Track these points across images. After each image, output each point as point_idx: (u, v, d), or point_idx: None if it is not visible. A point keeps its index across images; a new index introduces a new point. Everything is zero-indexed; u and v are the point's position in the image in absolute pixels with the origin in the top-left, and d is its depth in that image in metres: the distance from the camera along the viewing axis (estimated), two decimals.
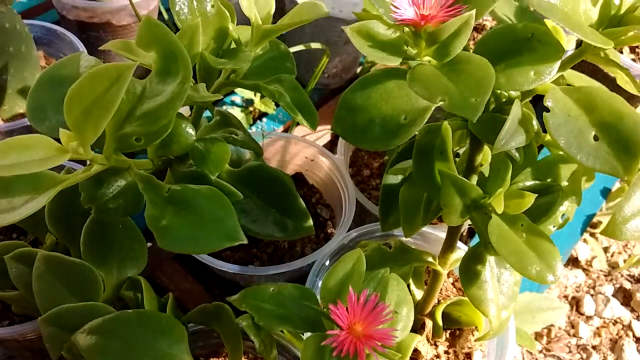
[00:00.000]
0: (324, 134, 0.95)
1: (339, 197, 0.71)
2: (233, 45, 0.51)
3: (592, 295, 1.01)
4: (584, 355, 0.95)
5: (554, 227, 0.53)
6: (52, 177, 0.44)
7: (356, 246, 0.63)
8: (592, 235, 1.06)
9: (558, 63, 0.45)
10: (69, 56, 0.53)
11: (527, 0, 0.43)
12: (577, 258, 1.03)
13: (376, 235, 0.66)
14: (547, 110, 0.45)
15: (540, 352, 0.93)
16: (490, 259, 0.50)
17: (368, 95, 0.47)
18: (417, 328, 0.60)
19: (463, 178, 0.46)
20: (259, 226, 0.58)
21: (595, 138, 0.44)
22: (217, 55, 0.51)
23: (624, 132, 0.43)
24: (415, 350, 0.59)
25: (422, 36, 0.43)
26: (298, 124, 0.86)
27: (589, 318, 1.00)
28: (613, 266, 1.03)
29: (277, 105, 0.96)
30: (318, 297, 0.47)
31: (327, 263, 0.63)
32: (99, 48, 0.47)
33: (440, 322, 0.59)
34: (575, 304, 1.00)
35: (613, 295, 1.03)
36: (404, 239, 0.63)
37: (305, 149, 0.74)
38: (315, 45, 0.70)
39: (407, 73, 0.43)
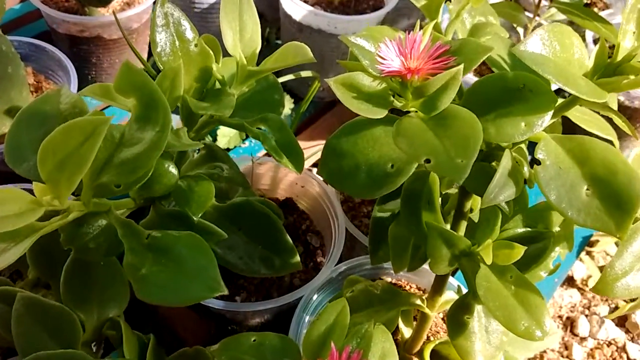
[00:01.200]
0: (317, 150, 0.94)
1: (328, 225, 0.70)
2: (217, 85, 0.49)
3: (586, 316, 1.00)
4: None
5: (545, 273, 0.52)
6: (31, 225, 0.43)
7: (344, 281, 0.62)
8: (589, 253, 1.04)
9: (550, 113, 0.43)
10: (48, 92, 0.51)
11: (515, 52, 0.41)
12: (572, 277, 1.02)
13: (366, 268, 0.65)
14: (538, 162, 0.44)
15: None
16: (478, 308, 0.49)
17: (354, 140, 0.46)
18: None
19: (450, 230, 0.45)
20: (245, 263, 0.57)
21: (587, 192, 0.43)
22: (201, 95, 0.49)
23: (617, 188, 0.42)
24: None
25: (409, 88, 0.41)
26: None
27: (582, 339, 0.99)
28: None
29: None
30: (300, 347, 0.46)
31: (315, 297, 0.62)
32: (79, 93, 0.45)
33: (427, 357, 0.58)
34: (570, 324, 0.99)
35: (607, 317, 1.02)
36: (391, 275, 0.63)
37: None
38: (305, 74, 0.68)
39: (394, 124, 0.42)
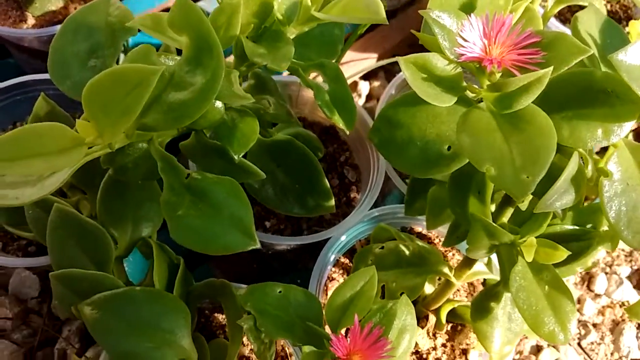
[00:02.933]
0: (368, 66, 0.89)
1: (368, 161, 0.68)
2: (276, 25, 0.45)
3: (606, 274, 1.00)
4: (582, 332, 0.96)
5: (581, 268, 0.50)
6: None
7: (375, 227, 0.61)
8: None
9: (632, 123, 0.40)
10: (97, 0, 0.48)
11: (613, 60, 0.36)
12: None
13: (398, 217, 0.64)
14: (605, 173, 0.41)
15: None
16: (506, 296, 0.49)
17: (413, 113, 0.43)
18: (420, 319, 0.61)
19: (495, 225, 0.43)
20: (279, 200, 0.56)
21: None
22: (258, 32, 0.46)
23: None
24: None
25: (486, 77, 0.38)
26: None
27: (597, 296, 0.99)
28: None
29: None
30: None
31: (343, 238, 0.62)
32: (128, 24, 0.42)
33: (443, 319, 0.59)
34: (588, 279, 0.99)
35: (628, 277, 1.02)
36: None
37: None
38: None
39: (461, 115, 0.38)
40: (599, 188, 0.41)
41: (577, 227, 0.48)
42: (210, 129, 0.51)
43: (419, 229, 0.66)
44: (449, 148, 0.42)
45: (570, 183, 0.41)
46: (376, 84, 0.91)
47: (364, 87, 0.90)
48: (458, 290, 0.63)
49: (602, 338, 0.95)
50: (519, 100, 0.36)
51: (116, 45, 0.48)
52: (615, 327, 0.96)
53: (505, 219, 0.47)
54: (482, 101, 0.39)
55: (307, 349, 0.44)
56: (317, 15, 0.43)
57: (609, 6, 0.84)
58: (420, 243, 0.58)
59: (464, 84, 0.39)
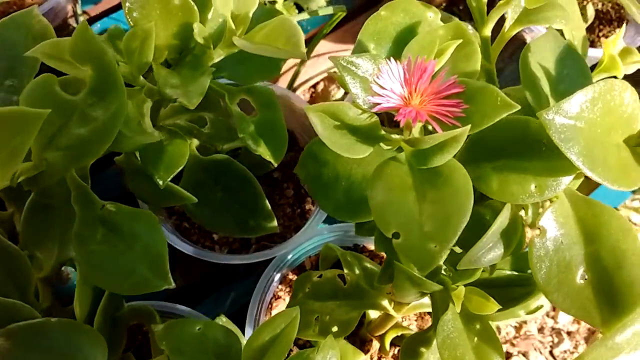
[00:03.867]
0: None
1: None
2: (198, 49, 0.42)
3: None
4: (556, 340, 0.94)
5: (523, 312, 0.48)
6: None
7: (323, 248, 0.59)
8: None
9: (570, 178, 0.36)
10: (20, 12, 0.45)
11: (542, 120, 0.33)
12: None
13: (350, 235, 0.61)
14: (537, 230, 0.38)
15: (513, 326, 0.91)
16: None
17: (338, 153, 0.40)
18: (365, 342, 0.59)
19: (420, 277, 0.40)
20: (218, 221, 0.54)
21: (582, 278, 0.37)
22: (180, 55, 0.42)
23: (619, 284, 0.36)
24: None
25: (407, 130, 0.34)
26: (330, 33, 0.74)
27: None
28: None
29: (300, 10, 0.84)
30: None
31: (290, 257, 0.60)
32: (25, 54, 0.39)
33: (387, 346, 0.57)
34: None
35: None
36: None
37: (300, 103, 0.65)
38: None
39: (376, 167, 0.35)
40: (529, 245, 0.38)
41: (516, 273, 0.45)
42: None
43: (371, 247, 0.63)
44: None
45: (500, 237, 0.38)
46: None
47: None
48: (408, 316, 0.61)
49: (575, 347, 0.92)
50: (434, 158, 0.33)
51: (34, 64, 0.45)
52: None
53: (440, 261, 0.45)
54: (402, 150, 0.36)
55: None
56: (237, 43, 0.39)
57: (600, 5, 0.79)
58: (368, 265, 0.55)
59: (382, 132, 0.35)
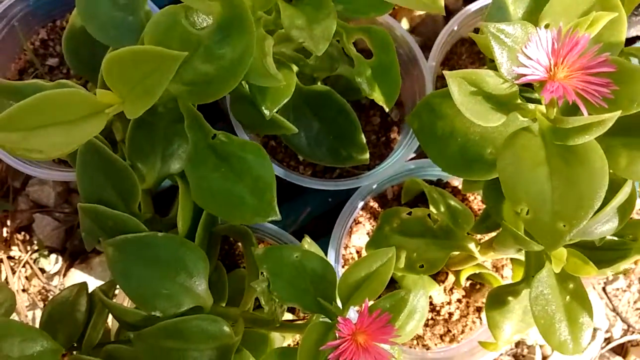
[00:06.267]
0: None
1: (413, 98, 0.63)
2: None
3: None
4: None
5: (612, 273, 0.48)
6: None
7: (408, 181, 0.59)
8: None
9: None
10: None
11: None
12: None
13: (436, 170, 0.61)
14: None
15: None
16: (526, 292, 0.48)
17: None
18: (440, 273, 0.61)
19: (524, 237, 0.40)
20: (311, 149, 0.55)
21: None
22: None
23: None
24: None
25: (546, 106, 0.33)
26: None
27: None
28: None
29: None
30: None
31: (375, 187, 0.60)
32: None
33: (462, 281, 0.59)
34: None
35: None
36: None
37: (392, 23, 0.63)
38: None
39: (508, 136, 0.35)
40: None
41: (615, 238, 0.45)
42: None
43: (455, 183, 0.63)
44: (490, 153, 0.39)
45: (616, 211, 0.38)
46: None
47: None
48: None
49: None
50: (575, 137, 0.32)
51: None
52: None
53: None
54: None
55: (316, 318, 0.45)
56: None
57: None
58: (452, 202, 0.56)
59: (519, 102, 0.34)
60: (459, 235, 0.52)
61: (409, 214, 0.53)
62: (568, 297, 0.44)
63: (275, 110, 0.47)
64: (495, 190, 0.43)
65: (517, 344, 0.84)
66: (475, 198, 0.63)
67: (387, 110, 0.45)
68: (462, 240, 0.52)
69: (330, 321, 0.45)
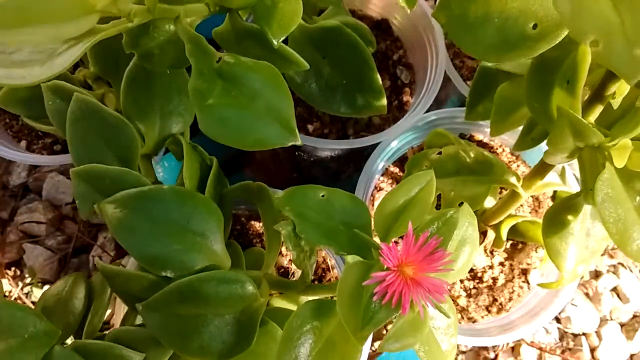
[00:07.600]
0: None
1: (424, 60, 0.60)
2: None
3: None
4: None
5: None
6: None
7: (430, 132, 0.54)
8: None
9: None
10: None
11: None
12: None
13: (457, 122, 0.57)
14: None
15: None
16: (586, 209, 0.42)
17: None
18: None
19: (585, 122, 0.36)
20: (324, 97, 0.50)
21: None
22: None
23: None
24: None
25: None
26: None
27: None
28: None
29: None
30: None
31: (394, 144, 0.56)
32: None
33: (504, 236, 0.53)
34: None
35: None
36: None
37: None
38: None
39: None
40: None
41: None
42: (247, 11, 0.45)
43: (479, 136, 0.59)
44: (534, 27, 0.35)
45: None
46: None
47: None
48: (521, 205, 0.57)
49: None
50: None
51: None
52: None
53: (591, 118, 0.40)
54: None
55: (351, 258, 0.39)
56: None
57: None
58: (482, 150, 0.51)
59: None
60: (497, 168, 0.47)
61: (439, 153, 0.48)
62: (638, 198, 0.38)
63: (283, 37, 0.42)
64: (541, 80, 0.38)
65: (562, 337, 0.76)
66: (503, 150, 0.59)
67: (409, 11, 0.41)
68: (501, 174, 0.47)
69: (369, 261, 0.39)
